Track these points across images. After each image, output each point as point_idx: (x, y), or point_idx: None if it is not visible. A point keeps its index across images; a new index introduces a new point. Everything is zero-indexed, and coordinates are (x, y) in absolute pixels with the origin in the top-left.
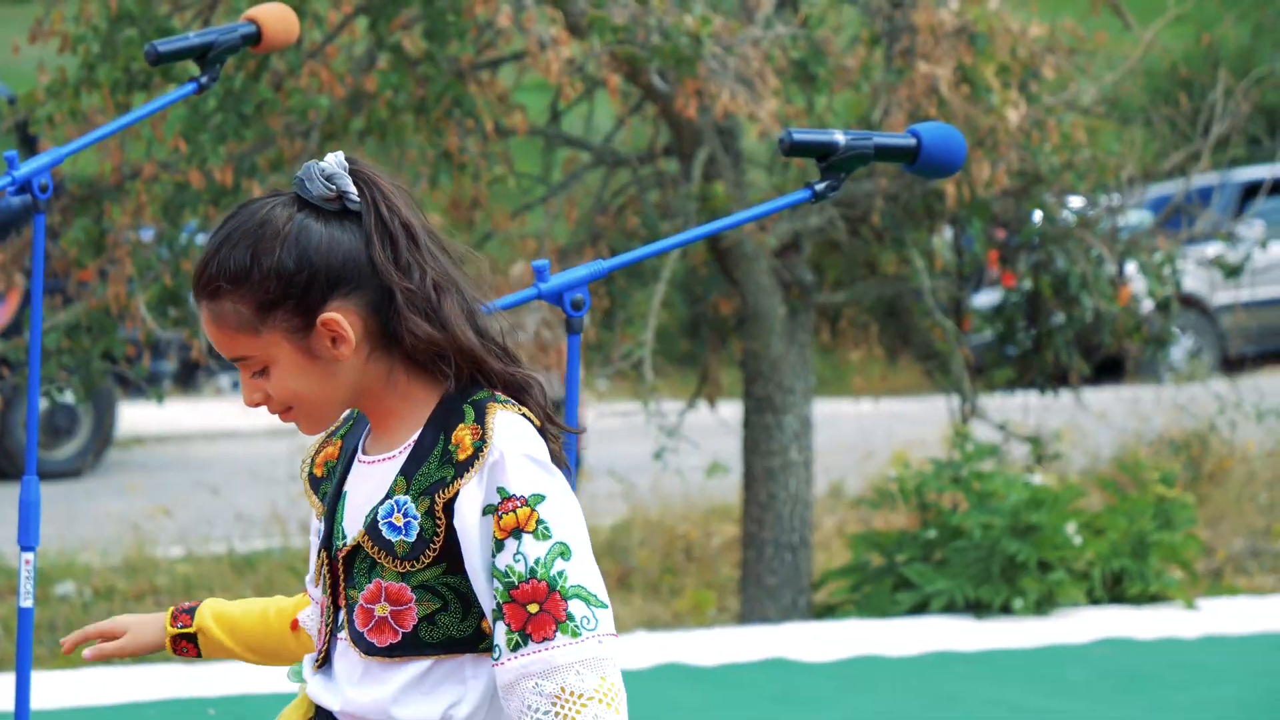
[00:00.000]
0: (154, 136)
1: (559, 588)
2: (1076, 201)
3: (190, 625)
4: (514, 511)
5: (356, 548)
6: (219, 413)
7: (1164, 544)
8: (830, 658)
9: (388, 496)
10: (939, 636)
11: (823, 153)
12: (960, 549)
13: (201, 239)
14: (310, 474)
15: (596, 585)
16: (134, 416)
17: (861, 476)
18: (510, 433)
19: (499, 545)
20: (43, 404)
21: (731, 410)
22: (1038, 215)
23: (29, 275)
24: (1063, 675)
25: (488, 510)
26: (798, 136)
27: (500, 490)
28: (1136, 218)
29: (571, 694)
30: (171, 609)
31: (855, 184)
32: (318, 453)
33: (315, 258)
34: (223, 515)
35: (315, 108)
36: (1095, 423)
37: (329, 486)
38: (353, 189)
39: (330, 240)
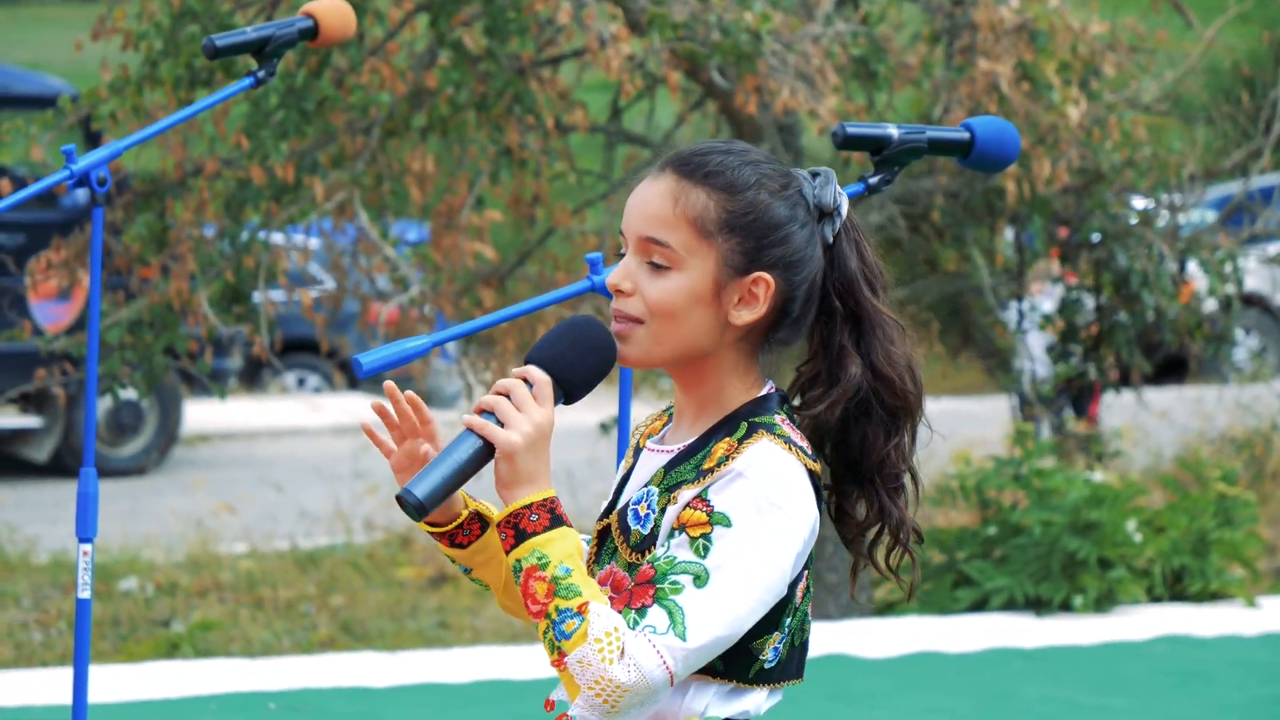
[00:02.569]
0: (216, 133)
1: (661, 587)
2: (1138, 200)
3: (483, 521)
4: (696, 512)
5: (607, 528)
6: (283, 410)
7: (1225, 542)
8: (889, 654)
9: (646, 485)
10: (999, 633)
11: (876, 146)
12: (1020, 546)
13: (263, 236)
14: (636, 444)
15: (699, 626)
16: (199, 414)
17: (922, 475)
18: (760, 461)
19: (669, 533)
20: (108, 401)
21: None
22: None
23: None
24: (1122, 673)
25: (686, 505)
26: (851, 130)
27: (703, 494)
28: (1198, 216)
29: (603, 634)
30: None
31: (915, 181)
32: (651, 423)
33: (794, 232)
34: (286, 512)
35: (376, 104)
36: (1157, 422)
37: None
38: (841, 221)
39: (808, 234)
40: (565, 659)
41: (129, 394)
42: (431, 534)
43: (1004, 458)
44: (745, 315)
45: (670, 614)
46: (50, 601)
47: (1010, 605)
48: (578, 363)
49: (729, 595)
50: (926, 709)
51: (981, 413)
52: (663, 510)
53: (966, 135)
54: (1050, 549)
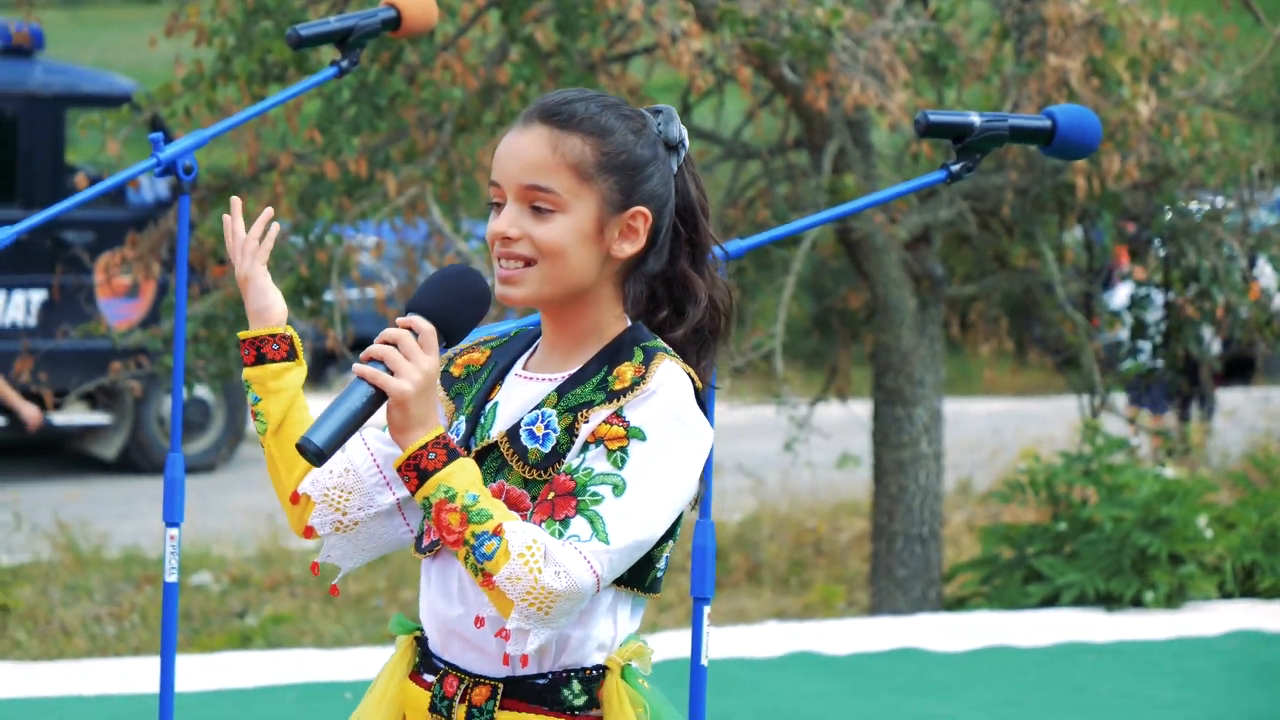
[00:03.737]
0: (289, 129)
1: (582, 499)
2: (1208, 195)
3: (294, 347)
4: (613, 427)
5: (491, 447)
6: None
7: None
8: (960, 648)
9: (536, 408)
10: (1069, 628)
11: (958, 133)
12: (1091, 542)
13: (336, 230)
14: (446, 370)
15: (619, 530)
16: None
17: (990, 473)
18: (671, 381)
19: (583, 447)
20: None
21: (861, 407)
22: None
23: (166, 265)
24: (1193, 668)
25: (602, 421)
26: (934, 117)
27: (619, 411)
28: (1267, 213)
29: (524, 549)
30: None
31: (985, 177)
32: (459, 355)
33: (657, 166)
34: None
35: (448, 100)
36: (1225, 420)
37: (464, 388)
38: (685, 152)
39: (667, 168)
40: (493, 579)
41: (198, 391)
42: (241, 342)
43: (1074, 453)
44: (627, 248)
45: (591, 522)
46: (123, 595)
47: (1081, 601)
48: (458, 309)
49: (645, 502)
50: (998, 702)
51: (1048, 413)
52: (565, 429)
53: (1048, 123)
54: (1121, 545)
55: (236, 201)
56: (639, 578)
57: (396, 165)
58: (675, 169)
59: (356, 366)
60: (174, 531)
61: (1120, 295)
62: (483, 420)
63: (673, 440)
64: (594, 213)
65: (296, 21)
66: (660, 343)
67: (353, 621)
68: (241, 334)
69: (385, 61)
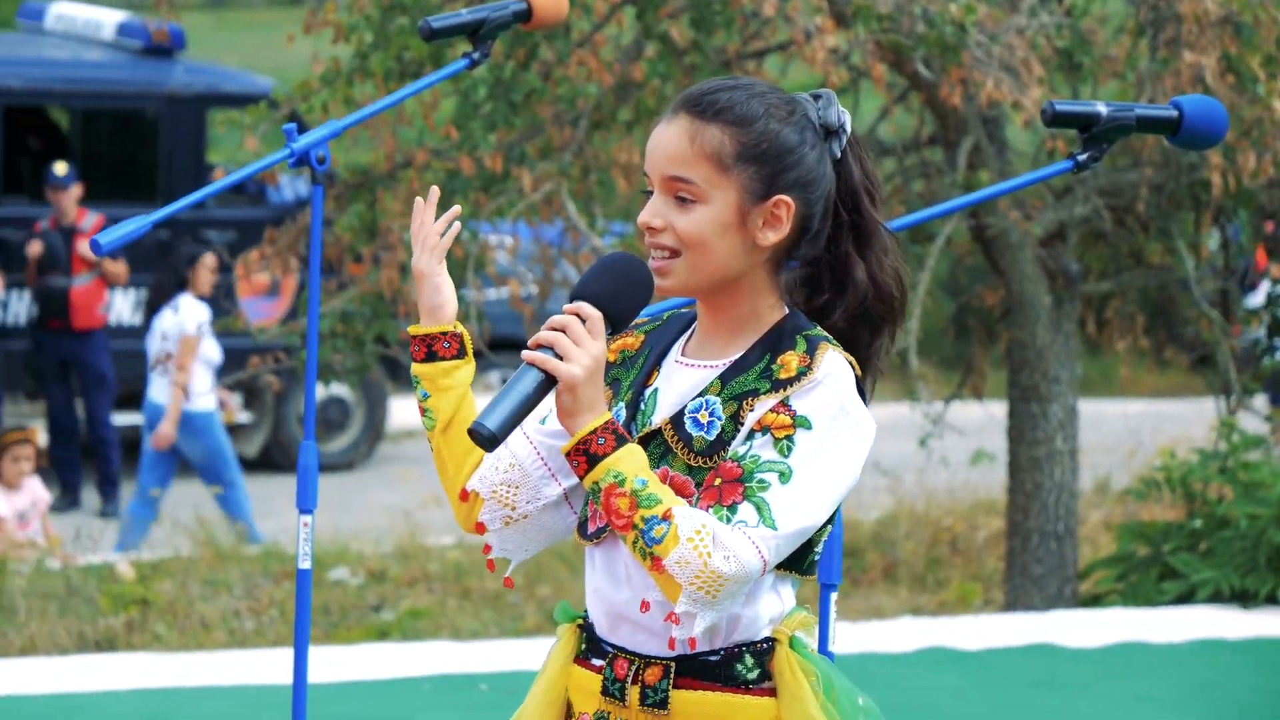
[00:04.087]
0: (425, 125)
1: (749, 485)
2: None
3: (464, 345)
4: (780, 415)
5: (654, 434)
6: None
7: None
8: (1094, 644)
9: (700, 395)
10: (1204, 625)
11: (1085, 123)
12: (1226, 539)
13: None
14: (630, 358)
15: (785, 516)
16: (405, 410)
17: (1128, 473)
18: (836, 370)
19: (749, 435)
20: (318, 396)
21: (996, 406)
22: None
23: (304, 262)
24: None
25: (768, 410)
26: (1060, 107)
27: (786, 400)
28: None
29: (693, 533)
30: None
31: (1120, 173)
32: (614, 340)
33: (805, 151)
34: None
35: (583, 96)
36: None
37: (621, 374)
38: (847, 136)
39: (818, 153)
40: (662, 562)
41: (337, 390)
42: (415, 337)
43: (1209, 450)
44: (771, 236)
45: (758, 508)
46: (261, 590)
47: (1216, 598)
48: (623, 296)
49: (811, 489)
50: (1132, 698)
51: (1186, 414)
52: (730, 416)
53: (1175, 113)
54: (1257, 541)
55: (434, 190)
56: (798, 561)
57: (532, 161)
58: (839, 153)
59: (526, 352)
60: (307, 519)
61: (1260, 296)
62: (643, 406)
63: (838, 430)
64: (734, 202)
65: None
66: (821, 330)
67: (490, 617)
68: (413, 330)
69: (521, 58)
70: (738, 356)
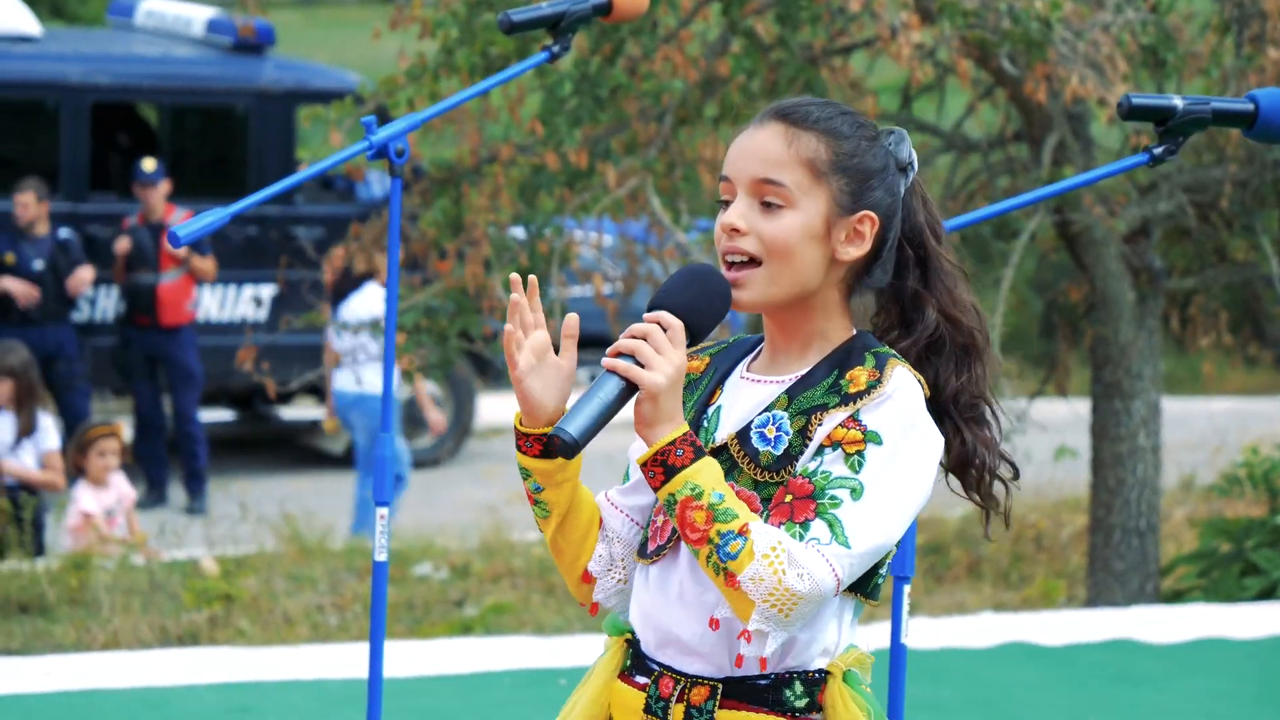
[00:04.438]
0: (511, 120)
1: (821, 502)
2: None
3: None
4: (850, 430)
5: (720, 449)
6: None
7: None
8: (1175, 640)
9: (766, 410)
10: None
11: (1160, 116)
12: None
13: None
14: (696, 380)
15: (859, 534)
16: (492, 408)
17: (1213, 470)
18: (904, 385)
19: (818, 450)
20: (405, 393)
21: (1080, 404)
22: None
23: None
24: None
25: (838, 424)
26: (1136, 100)
27: (856, 415)
28: None
29: (769, 550)
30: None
31: (1204, 169)
32: (690, 360)
33: (889, 177)
34: None
35: (669, 92)
36: None
37: (686, 396)
38: (914, 175)
39: (896, 180)
40: (737, 578)
41: (425, 386)
42: (527, 435)
43: None
44: (852, 251)
45: (831, 525)
46: (346, 585)
47: None
48: (702, 307)
49: (884, 505)
50: (1212, 694)
51: (1273, 412)
52: (798, 431)
53: (1251, 106)
54: None
55: (516, 278)
56: (863, 583)
57: (617, 157)
58: (903, 190)
59: (607, 360)
60: (383, 510)
61: None
62: (705, 424)
63: (908, 445)
64: (823, 211)
65: None
66: (889, 349)
67: (574, 613)
68: (522, 428)
69: (607, 53)
70: (805, 371)
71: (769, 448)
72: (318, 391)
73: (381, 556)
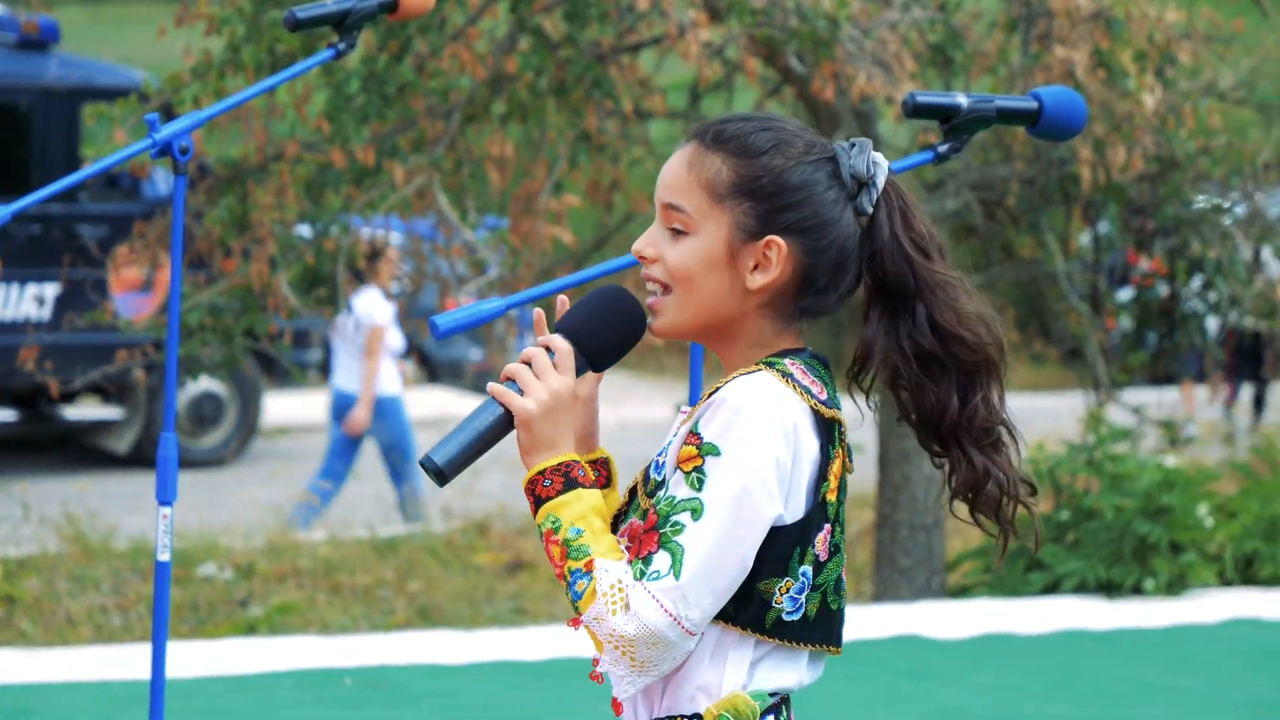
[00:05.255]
0: (297, 118)
1: (664, 531)
2: (1212, 189)
3: (606, 473)
4: (689, 446)
5: (635, 486)
6: None
7: None
8: (961, 635)
9: (674, 438)
10: (1070, 616)
11: (945, 114)
12: (1092, 530)
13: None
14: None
15: (699, 562)
16: (279, 407)
17: None
18: (745, 389)
19: (673, 474)
20: (189, 392)
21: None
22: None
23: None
24: (1193, 654)
25: (683, 442)
26: (921, 98)
27: (694, 427)
28: (1277, 209)
29: (609, 589)
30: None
31: (991, 167)
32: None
33: (813, 197)
34: (365, 501)
35: (457, 89)
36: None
37: None
38: (877, 192)
39: (831, 200)
40: (582, 618)
41: (211, 386)
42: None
43: (1077, 443)
44: (759, 279)
45: (673, 555)
46: (129, 586)
47: (1082, 588)
48: (603, 331)
49: (724, 522)
50: (998, 687)
51: (1057, 409)
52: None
53: (1035, 104)
54: (1122, 533)
55: (540, 313)
56: (754, 619)
57: (404, 154)
58: (868, 207)
59: (490, 385)
60: (166, 511)
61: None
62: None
63: (745, 448)
64: (724, 237)
65: None
66: (783, 361)
67: (359, 612)
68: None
69: (394, 51)
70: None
71: (656, 475)
72: (101, 391)
73: (164, 556)
